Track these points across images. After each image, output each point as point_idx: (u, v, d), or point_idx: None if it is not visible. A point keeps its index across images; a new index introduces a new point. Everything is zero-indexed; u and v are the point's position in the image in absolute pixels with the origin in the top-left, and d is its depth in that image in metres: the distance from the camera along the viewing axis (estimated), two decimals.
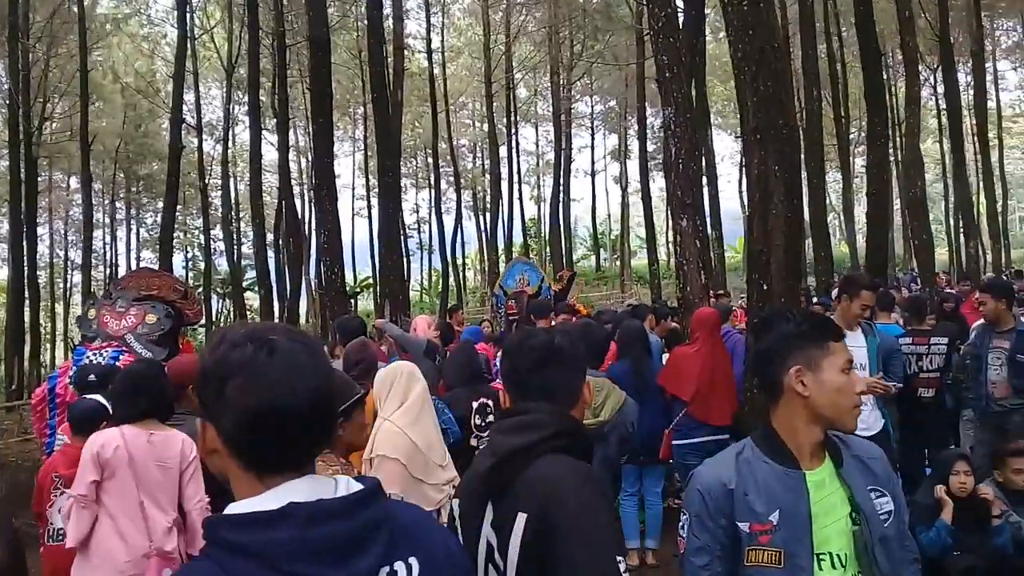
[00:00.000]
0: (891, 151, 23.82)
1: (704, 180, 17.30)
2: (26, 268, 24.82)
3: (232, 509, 1.23)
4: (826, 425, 2.01)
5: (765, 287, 4.73)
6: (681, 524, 2.11)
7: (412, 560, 1.30)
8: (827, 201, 24.87)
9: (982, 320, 7.06)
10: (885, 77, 19.26)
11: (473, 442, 5.13)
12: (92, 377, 5.23)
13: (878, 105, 14.92)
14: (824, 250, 18.94)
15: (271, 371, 1.23)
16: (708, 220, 12.90)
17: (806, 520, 1.95)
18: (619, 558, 1.64)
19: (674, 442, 5.67)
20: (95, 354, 6.88)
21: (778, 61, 4.96)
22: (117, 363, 6.70)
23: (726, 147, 60.67)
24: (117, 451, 3.72)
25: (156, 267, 21.08)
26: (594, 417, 4.07)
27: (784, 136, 4.70)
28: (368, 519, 1.25)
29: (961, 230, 26.11)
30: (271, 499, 1.22)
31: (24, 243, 24.55)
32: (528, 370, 1.93)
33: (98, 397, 4.72)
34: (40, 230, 38.91)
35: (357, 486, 1.28)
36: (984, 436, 6.23)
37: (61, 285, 43.14)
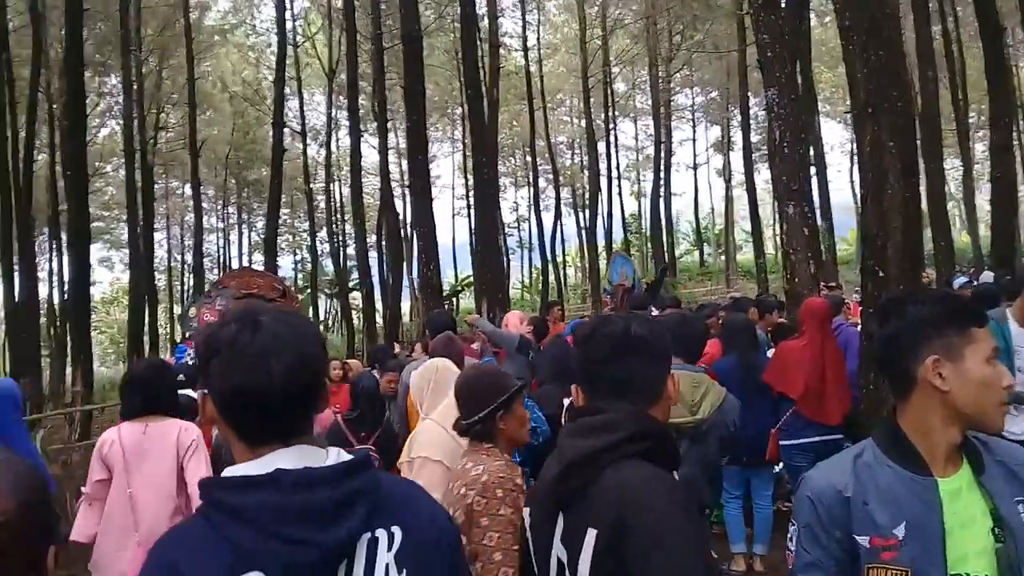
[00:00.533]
0: (1015, 134, 22.32)
1: (813, 169, 16.56)
2: (144, 272, 26.02)
3: (226, 473, 1.31)
4: (966, 425, 1.68)
5: (881, 274, 4.32)
6: (789, 536, 1.83)
7: (395, 529, 1.35)
8: (946, 189, 23.51)
9: None
10: (1006, 55, 17.92)
11: None
12: (181, 377, 5.35)
13: (1000, 82, 13.90)
14: (944, 239, 17.74)
15: (249, 350, 1.30)
16: (817, 209, 12.26)
17: (938, 535, 1.63)
18: None
19: (781, 442, 5.31)
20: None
21: (891, 29, 4.54)
22: None
23: (835, 135, 58.50)
24: (113, 447, 3.91)
25: (263, 268, 21.79)
26: (691, 415, 3.79)
27: (898, 109, 4.28)
28: (352, 488, 1.30)
29: None
30: (259, 466, 1.29)
31: (141, 248, 25.72)
32: (601, 362, 1.70)
33: (188, 392, 4.79)
34: (158, 236, 40.92)
35: (347, 457, 1.34)
36: None
37: (178, 288, 45.09)
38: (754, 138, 28.39)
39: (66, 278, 19.09)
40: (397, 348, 9.62)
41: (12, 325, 21.99)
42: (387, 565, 1.33)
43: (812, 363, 5.10)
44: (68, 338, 20.16)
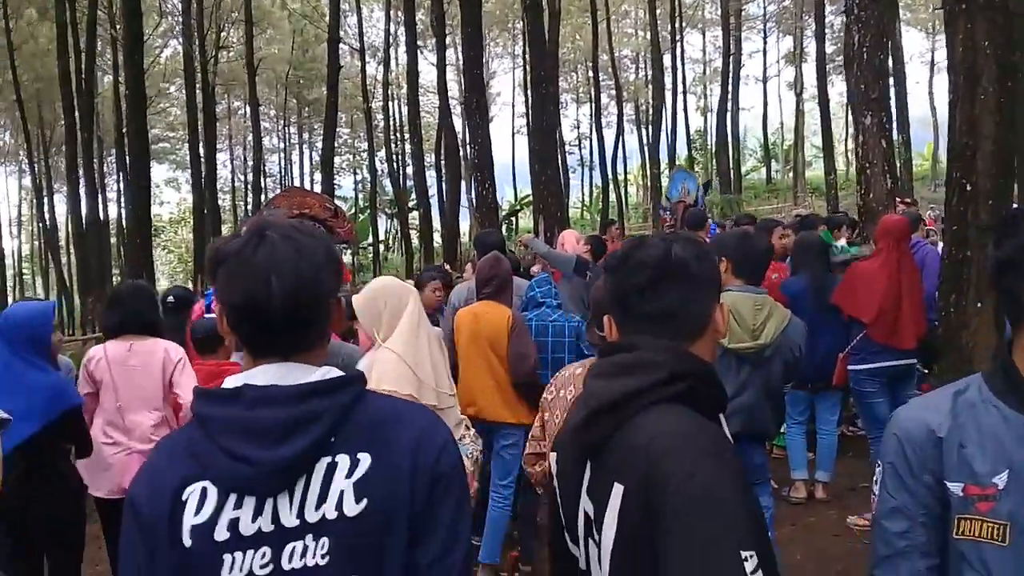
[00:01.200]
0: None
1: (891, 79, 15.68)
2: (207, 192, 26.29)
3: (224, 383, 1.32)
4: None
5: (969, 188, 3.93)
6: (875, 477, 1.59)
7: (362, 455, 1.28)
8: None
9: None
10: None
11: None
12: (170, 299, 5.50)
13: None
14: None
15: (252, 263, 1.29)
16: (895, 121, 11.52)
17: None
18: (745, 555, 1.15)
19: (850, 367, 5.00)
20: None
21: None
22: None
23: (915, 45, 55.51)
24: (99, 363, 4.12)
25: (320, 189, 21.76)
26: (753, 340, 3.52)
27: (996, 4, 3.83)
28: (312, 408, 1.26)
29: None
30: (244, 378, 1.30)
31: (203, 168, 25.93)
32: (637, 290, 1.45)
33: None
34: (221, 156, 41.34)
35: (333, 375, 1.31)
36: None
37: (241, 208, 45.75)
38: (828, 48, 27.01)
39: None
40: (448, 268, 9.47)
41: (79, 243, 22.56)
42: (342, 492, 1.26)
43: (887, 285, 4.75)
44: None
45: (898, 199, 7.25)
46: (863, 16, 6.67)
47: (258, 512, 1.25)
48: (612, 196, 36.82)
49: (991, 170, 3.89)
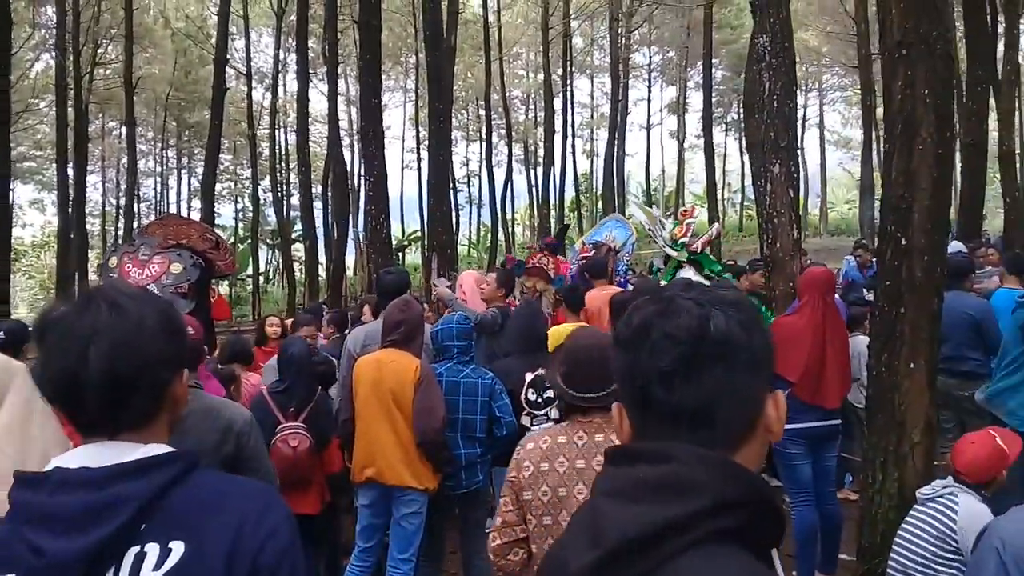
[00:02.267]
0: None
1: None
2: (74, 215, 24.61)
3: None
4: None
5: (904, 242, 3.76)
6: None
7: (174, 544, 1.19)
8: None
9: None
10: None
11: (525, 421, 4.31)
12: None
13: (980, 48, 13.51)
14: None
15: (72, 332, 1.23)
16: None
17: None
18: None
19: None
20: None
21: None
22: None
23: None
24: None
25: (200, 216, 20.65)
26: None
27: (938, 52, 3.70)
28: (119, 493, 1.18)
29: None
30: (56, 460, 1.23)
31: (72, 190, 24.28)
32: (663, 377, 1.05)
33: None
34: (93, 178, 39.10)
35: (151, 454, 1.23)
36: None
37: (112, 233, 43.27)
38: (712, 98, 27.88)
39: None
40: (326, 309, 8.80)
41: None
42: None
43: (813, 341, 4.54)
44: None
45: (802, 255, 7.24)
46: (774, 63, 6.62)
47: None
48: (500, 235, 36.74)
49: (926, 225, 3.74)
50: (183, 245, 6.97)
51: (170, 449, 1.27)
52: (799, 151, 6.34)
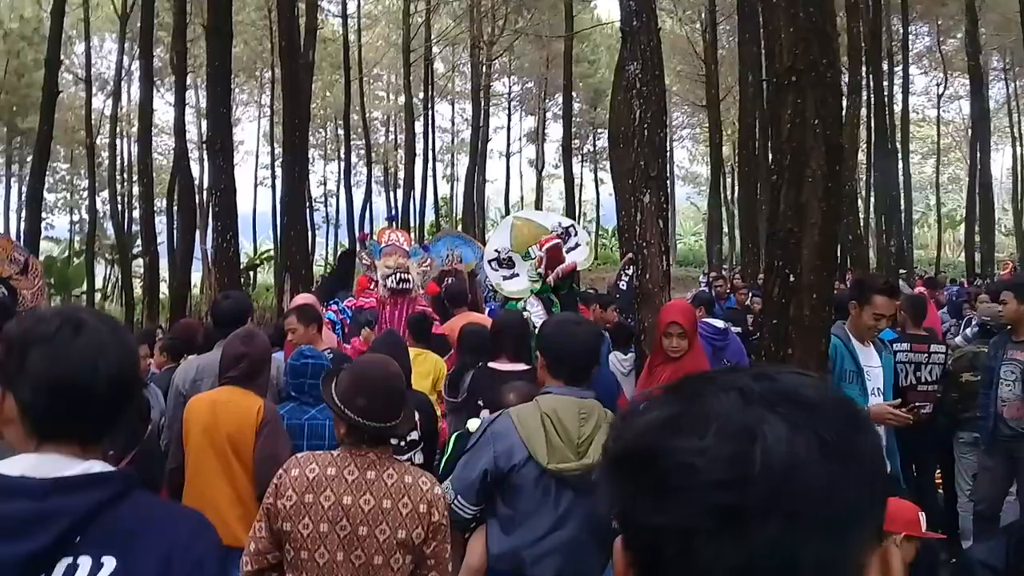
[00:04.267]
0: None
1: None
2: None
3: None
4: None
5: (792, 278, 3.61)
6: None
7: (106, 559, 1.23)
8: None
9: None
10: None
11: None
12: None
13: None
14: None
15: (76, 347, 1.30)
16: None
17: None
18: None
19: None
20: None
21: None
22: None
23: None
24: None
25: (25, 225, 18.89)
26: (577, 459, 2.84)
27: (828, 81, 3.60)
28: (53, 506, 1.22)
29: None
30: (6, 465, 1.26)
31: None
32: (682, 536, 0.66)
33: None
34: None
35: (95, 470, 1.28)
36: (991, 463, 5.37)
37: None
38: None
39: None
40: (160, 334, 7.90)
41: None
42: None
43: None
44: None
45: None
46: (644, 91, 6.50)
47: None
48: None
49: (816, 261, 3.60)
50: None
51: (110, 468, 1.31)
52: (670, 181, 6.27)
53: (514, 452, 2.84)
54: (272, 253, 35.97)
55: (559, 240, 7.00)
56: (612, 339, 7.12)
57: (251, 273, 35.79)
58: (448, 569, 2.60)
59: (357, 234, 11.43)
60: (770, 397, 0.68)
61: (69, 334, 1.30)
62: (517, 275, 7.26)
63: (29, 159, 39.67)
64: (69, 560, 1.21)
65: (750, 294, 11.88)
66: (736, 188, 25.39)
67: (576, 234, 7.16)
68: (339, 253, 19.09)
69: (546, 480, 2.84)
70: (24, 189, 41.93)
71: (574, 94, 30.72)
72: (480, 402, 4.19)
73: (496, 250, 7.22)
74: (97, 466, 1.30)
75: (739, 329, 8.94)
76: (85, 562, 1.22)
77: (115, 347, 1.32)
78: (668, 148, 6.56)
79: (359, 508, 2.44)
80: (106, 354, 1.30)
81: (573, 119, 31.30)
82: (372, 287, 7.37)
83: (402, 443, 3.83)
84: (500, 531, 2.93)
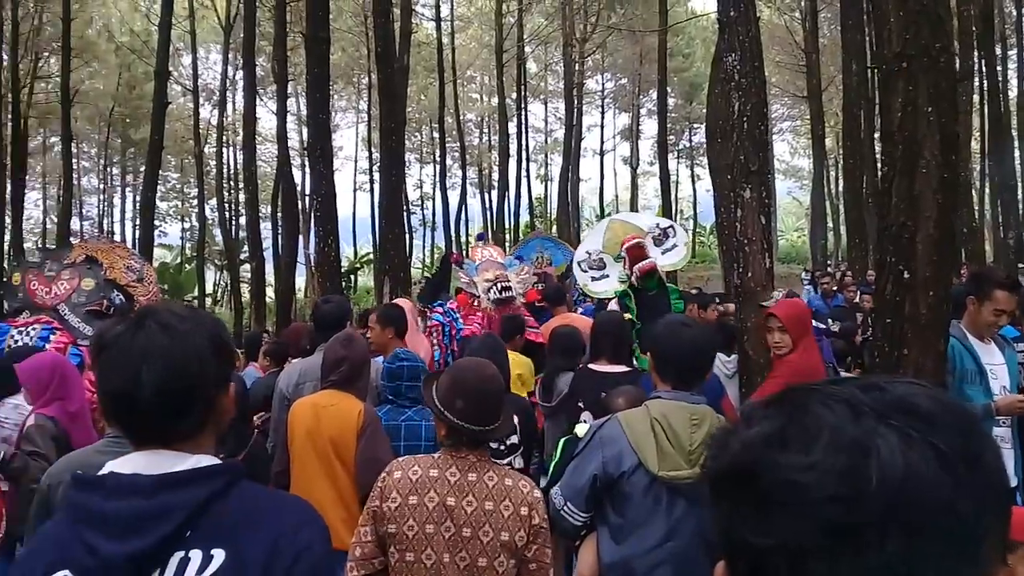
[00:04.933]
0: None
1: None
2: (11, 233, 23.57)
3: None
4: None
5: (906, 274, 3.41)
6: None
7: (216, 552, 1.26)
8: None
9: None
10: None
11: None
12: None
13: None
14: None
15: (126, 352, 1.33)
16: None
17: None
18: None
19: None
20: (20, 331, 5.57)
21: None
22: (47, 344, 5.43)
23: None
24: None
25: (139, 233, 19.79)
26: (690, 467, 2.73)
27: (941, 66, 3.37)
28: (168, 502, 1.25)
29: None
30: (111, 465, 1.32)
31: (8, 206, 23.24)
32: (791, 556, 0.63)
33: None
34: (34, 195, 37.78)
35: (201, 464, 1.32)
36: None
37: None
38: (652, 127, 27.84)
39: None
40: (266, 338, 8.11)
41: None
42: None
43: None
44: None
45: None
46: (744, 83, 6.29)
47: None
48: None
49: (932, 256, 3.38)
50: (94, 260, 6.31)
51: (217, 461, 1.36)
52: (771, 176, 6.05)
53: (623, 458, 2.76)
54: (371, 256, 36.73)
55: (640, 240, 6.87)
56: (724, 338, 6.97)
57: (351, 276, 36.59)
58: (550, 574, 2.54)
59: (452, 254, 11.49)
60: (881, 408, 0.64)
61: (127, 339, 1.34)
62: (607, 276, 7.17)
63: (142, 169, 41.83)
64: (181, 554, 1.25)
65: (859, 291, 11.44)
66: (840, 181, 24.52)
67: (674, 235, 7.00)
68: (442, 256, 19.30)
69: (657, 488, 2.74)
70: (137, 198, 44.20)
71: (669, 89, 30.28)
72: (580, 404, 4.12)
73: (587, 252, 7.16)
74: (205, 460, 1.34)
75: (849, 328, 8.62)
76: (196, 556, 1.25)
77: (165, 351, 1.32)
78: (768, 141, 6.37)
79: (462, 510, 2.44)
80: (152, 359, 1.31)
81: (668, 114, 30.83)
82: (474, 303, 7.40)
83: (502, 447, 3.80)
84: (611, 540, 2.84)
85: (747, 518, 0.65)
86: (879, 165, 3.82)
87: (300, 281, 29.13)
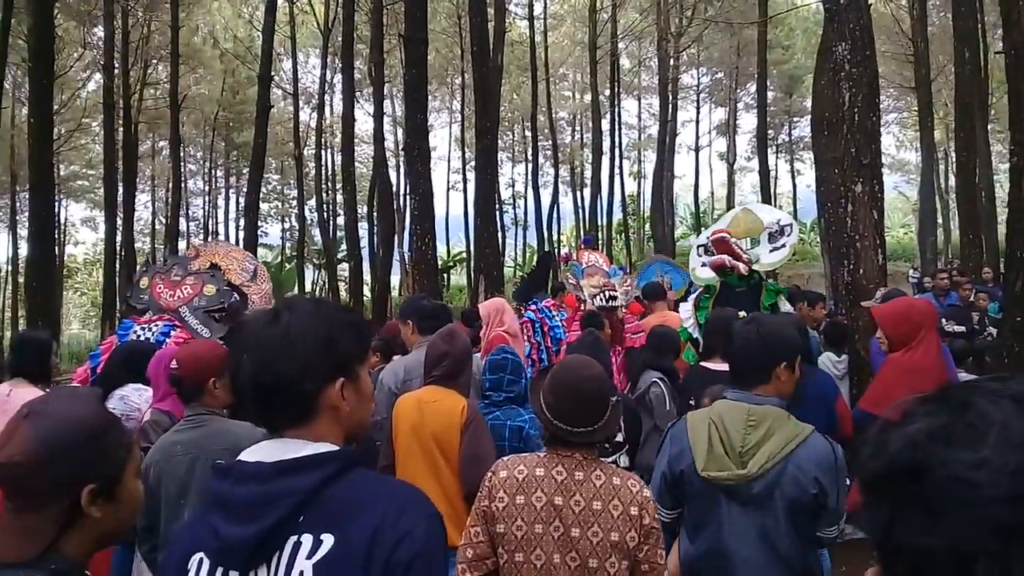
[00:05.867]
0: None
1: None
2: (122, 233, 24.68)
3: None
4: None
5: None
6: None
7: (325, 537, 1.30)
8: None
9: None
10: None
11: None
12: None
13: None
14: None
15: (238, 345, 1.44)
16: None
17: None
18: None
19: None
20: (143, 328, 5.84)
21: None
22: (167, 340, 5.66)
23: None
24: None
25: (243, 234, 20.45)
26: (739, 467, 2.59)
27: None
28: (281, 488, 1.31)
29: None
30: (244, 454, 1.40)
31: (121, 208, 24.34)
32: (962, 560, 0.60)
33: None
34: (143, 197, 39.53)
35: (310, 452, 1.36)
36: None
37: (163, 252, 43.57)
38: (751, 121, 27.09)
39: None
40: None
41: None
42: (301, 573, 1.29)
43: (941, 382, 3.85)
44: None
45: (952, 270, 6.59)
46: (854, 73, 6.05)
47: None
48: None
49: None
50: (216, 266, 6.62)
51: (331, 448, 1.39)
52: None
53: (683, 456, 2.75)
54: (464, 255, 37.07)
55: (726, 233, 6.68)
56: (825, 338, 6.72)
57: (445, 275, 37.03)
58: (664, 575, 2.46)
59: (561, 254, 11.52)
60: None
61: (243, 332, 1.43)
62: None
63: (244, 171, 43.30)
64: (295, 538, 1.31)
65: (974, 290, 10.88)
66: (951, 175, 23.42)
67: (789, 234, 6.77)
68: (539, 255, 19.24)
69: (712, 489, 2.68)
70: (240, 200, 45.76)
71: (768, 82, 29.51)
72: (691, 401, 4.04)
73: (707, 238, 6.97)
74: (321, 448, 1.37)
75: (963, 328, 8.20)
76: (307, 540, 1.30)
77: (260, 345, 1.38)
78: (879, 133, 6.06)
79: (570, 509, 2.40)
80: (255, 351, 1.38)
81: (767, 108, 30.06)
82: (581, 307, 7.39)
83: (606, 444, 3.73)
84: (687, 538, 2.84)
85: (912, 518, 0.63)
86: (1008, 155, 3.58)
87: (395, 280, 29.64)
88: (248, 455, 1.37)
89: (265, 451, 1.37)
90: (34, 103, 13.18)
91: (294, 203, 39.89)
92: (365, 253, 27.65)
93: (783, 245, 6.64)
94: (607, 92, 35.18)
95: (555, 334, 7.37)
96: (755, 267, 6.35)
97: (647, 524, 2.41)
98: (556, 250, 38.37)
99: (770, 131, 38.99)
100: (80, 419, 1.48)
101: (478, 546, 2.50)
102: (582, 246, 9.73)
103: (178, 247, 27.41)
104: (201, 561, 1.35)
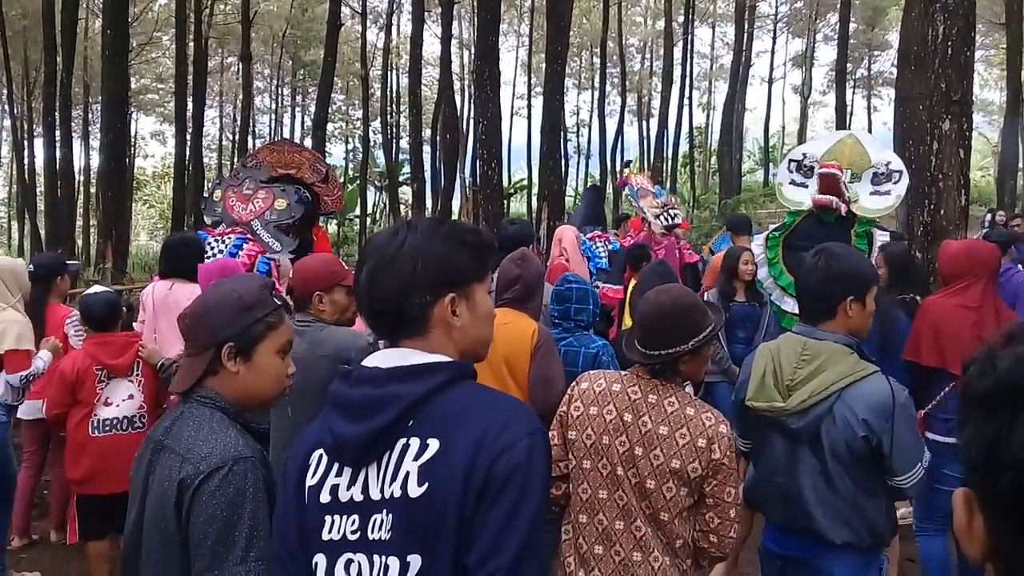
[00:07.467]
0: None
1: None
2: (191, 148, 25.07)
3: None
4: None
5: None
6: None
7: (431, 441, 1.36)
8: None
9: None
10: None
11: None
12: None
13: None
14: None
15: (361, 257, 1.53)
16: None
17: None
18: None
19: (931, 436, 3.80)
20: (217, 240, 6.00)
21: None
22: (240, 252, 5.81)
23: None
24: (147, 298, 4.89)
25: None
26: (783, 400, 2.61)
27: None
28: (390, 392, 1.39)
29: None
30: (367, 360, 1.49)
31: (190, 122, 24.68)
32: None
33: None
34: (211, 112, 39.99)
35: (421, 360, 1.43)
36: None
37: (228, 166, 44.29)
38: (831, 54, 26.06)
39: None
40: None
41: (50, 191, 21.41)
42: (407, 473, 1.35)
43: (986, 328, 3.70)
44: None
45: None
46: (950, 4, 5.76)
47: (352, 482, 1.41)
48: (610, 187, 35.89)
49: None
50: (292, 176, 6.67)
51: (443, 359, 1.43)
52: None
53: (745, 385, 2.81)
54: (525, 183, 36.86)
55: (838, 172, 6.39)
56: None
57: (506, 201, 36.98)
58: (731, 514, 2.46)
59: (618, 176, 11.38)
60: None
61: (368, 243, 1.54)
62: (806, 187, 6.60)
63: (311, 90, 43.41)
64: (404, 441, 1.37)
65: None
66: None
67: (897, 181, 6.28)
68: (588, 187, 19.03)
69: (760, 420, 2.74)
70: (307, 118, 46.01)
71: (850, 12, 28.30)
72: None
73: (803, 153, 6.52)
74: (435, 357, 1.43)
75: None
76: (415, 443, 1.36)
77: (375, 256, 1.46)
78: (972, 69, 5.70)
79: (637, 428, 2.46)
80: (367, 261, 1.47)
81: (848, 40, 28.89)
82: (645, 228, 7.36)
83: None
84: (753, 466, 2.92)
85: (1014, 433, 0.67)
86: None
87: (455, 204, 29.75)
88: (368, 360, 1.46)
89: (383, 358, 1.45)
90: (110, 14, 13.33)
91: (358, 124, 39.97)
92: (427, 176, 27.71)
93: (887, 192, 6.26)
94: (680, 18, 34.16)
95: (595, 264, 7.40)
96: (852, 207, 6.05)
97: (716, 459, 2.40)
98: (614, 179, 37.97)
99: (849, 64, 37.59)
100: (234, 293, 1.91)
101: (553, 449, 2.57)
102: (627, 170, 9.63)
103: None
104: (320, 457, 1.45)
